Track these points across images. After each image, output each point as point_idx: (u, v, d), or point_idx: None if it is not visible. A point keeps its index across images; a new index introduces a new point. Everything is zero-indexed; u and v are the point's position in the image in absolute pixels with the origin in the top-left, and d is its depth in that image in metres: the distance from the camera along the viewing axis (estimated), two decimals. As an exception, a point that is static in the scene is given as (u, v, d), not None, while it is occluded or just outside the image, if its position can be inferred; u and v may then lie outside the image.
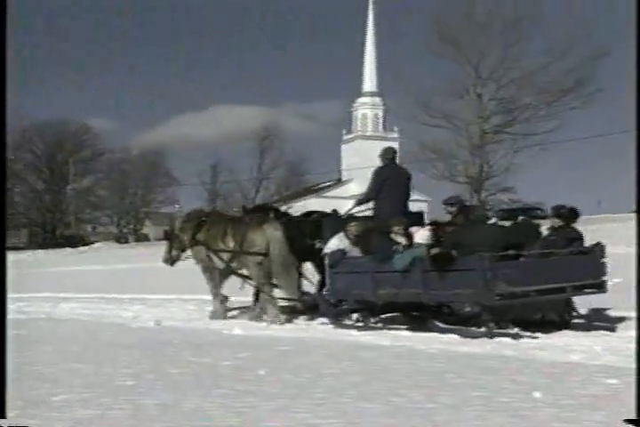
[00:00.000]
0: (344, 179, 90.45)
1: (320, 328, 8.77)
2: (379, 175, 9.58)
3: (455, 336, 7.39)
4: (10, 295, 13.43)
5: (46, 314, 11.95)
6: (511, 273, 7.31)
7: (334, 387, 4.81)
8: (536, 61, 36.55)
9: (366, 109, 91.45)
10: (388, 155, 9.79)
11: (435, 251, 7.70)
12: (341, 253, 8.77)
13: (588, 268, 7.98)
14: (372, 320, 8.60)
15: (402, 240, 8.23)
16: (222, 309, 10.37)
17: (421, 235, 8.21)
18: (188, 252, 10.71)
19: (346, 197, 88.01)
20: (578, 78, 35.56)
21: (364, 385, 4.87)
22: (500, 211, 47.38)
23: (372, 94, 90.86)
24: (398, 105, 79.83)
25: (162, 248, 11.35)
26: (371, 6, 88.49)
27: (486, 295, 7.21)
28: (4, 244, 4.32)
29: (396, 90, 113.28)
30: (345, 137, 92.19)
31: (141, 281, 17.91)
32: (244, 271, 10.17)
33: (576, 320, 8.27)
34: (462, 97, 38.26)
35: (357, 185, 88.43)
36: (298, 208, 66.87)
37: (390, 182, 9.34)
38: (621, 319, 8.24)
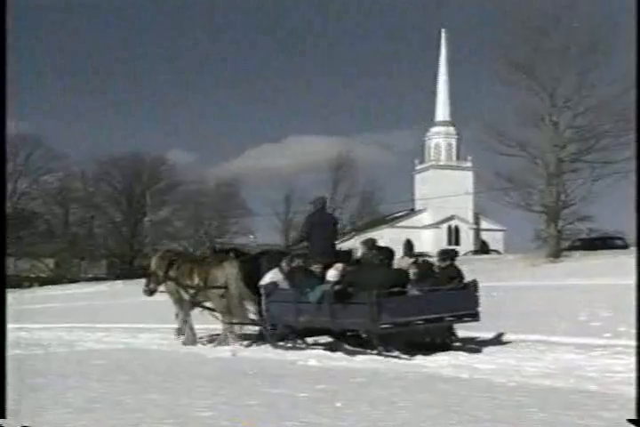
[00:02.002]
0: (417, 208, 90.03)
1: (395, 360, 8.66)
2: (309, 221, 11.30)
3: (536, 369, 7.24)
4: (90, 325, 13.79)
5: (124, 344, 12.15)
6: (395, 306, 8.87)
7: (411, 420, 4.73)
8: (613, 88, 35.83)
9: (439, 139, 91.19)
10: (318, 204, 11.54)
11: (337, 287, 9.24)
12: (274, 285, 10.34)
13: (465, 300, 9.54)
14: (300, 342, 10.12)
15: (319, 276, 9.83)
16: (193, 335, 11.79)
17: (331, 273, 9.60)
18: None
19: (419, 227, 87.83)
20: (657, 104, 34.69)
21: (441, 418, 4.78)
22: (579, 240, 46.58)
23: (445, 124, 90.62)
24: (472, 134, 79.39)
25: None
26: (443, 36, 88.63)
27: (373, 325, 8.82)
28: (4, 249, 4.47)
29: (469, 119, 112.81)
30: (418, 166, 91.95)
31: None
32: (207, 303, 11.79)
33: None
34: (537, 125, 37.74)
35: (430, 215, 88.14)
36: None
37: (318, 227, 10.91)
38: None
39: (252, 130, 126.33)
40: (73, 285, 52.16)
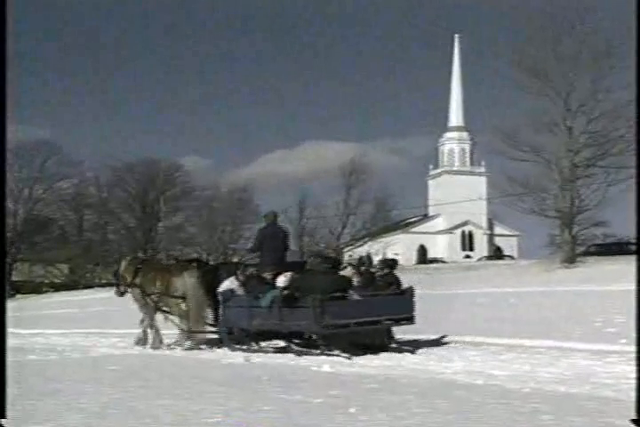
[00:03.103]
0: (430, 214, 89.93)
1: (408, 366, 8.63)
2: (261, 233, 12.45)
3: (551, 375, 7.21)
4: (104, 331, 13.84)
5: (138, 350, 12.18)
6: (337, 309, 9.70)
7: (425, 426, 4.72)
8: (628, 92, 35.66)
9: (453, 144, 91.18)
10: (269, 219, 12.60)
11: (285, 292, 10.12)
12: (230, 291, 11.19)
13: (402, 305, 10.46)
14: (254, 345, 10.93)
15: (270, 283, 10.82)
16: (158, 339, 12.47)
17: (280, 280, 10.59)
18: None
19: (433, 233, 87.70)
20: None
21: (456, 424, 4.76)
22: (594, 246, 46.36)
23: (458, 129, 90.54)
24: (485, 139, 79.21)
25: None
26: (457, 41, 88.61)
27: (316, 326, 9.68)
28: (5, 253, 4.51)
29: (482, 124, 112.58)
30: (431, 172, 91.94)
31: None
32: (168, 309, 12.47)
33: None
34: (551, 130, 37.62)
35: (444, 220, 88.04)
36: (384, 244, 66.46)
37: (270, 239, 11.92)
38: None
39: (268, 136, 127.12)
40: (87, 290, 52.30)
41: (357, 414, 5.17)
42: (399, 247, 75.50)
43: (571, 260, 35.97)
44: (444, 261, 67.27)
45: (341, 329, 9.83)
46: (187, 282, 11.90)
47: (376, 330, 10.49)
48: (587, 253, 40.73)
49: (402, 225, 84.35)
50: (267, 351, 10.60)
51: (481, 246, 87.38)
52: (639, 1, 4.37)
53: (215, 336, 11.95)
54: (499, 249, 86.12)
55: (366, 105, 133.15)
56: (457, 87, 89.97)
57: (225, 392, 6.46)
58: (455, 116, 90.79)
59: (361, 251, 66.11)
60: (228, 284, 11.34)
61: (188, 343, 11.87)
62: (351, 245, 66.11)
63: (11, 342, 11.93)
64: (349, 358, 9.32)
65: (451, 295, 23.19)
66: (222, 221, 69.07)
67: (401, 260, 70.03)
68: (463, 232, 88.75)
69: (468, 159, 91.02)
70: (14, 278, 60.03)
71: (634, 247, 44.92)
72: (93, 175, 67.21)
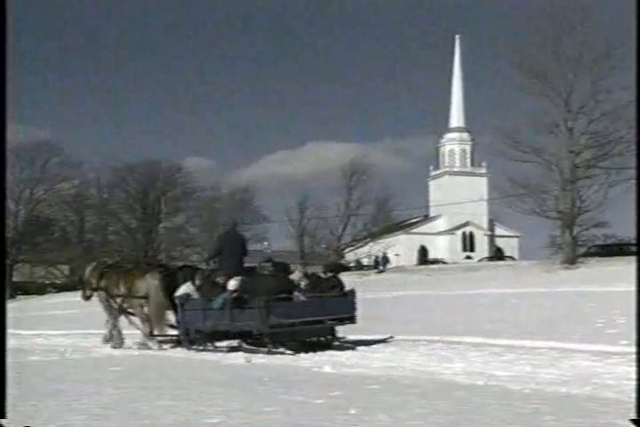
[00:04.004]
0: (431, 215, 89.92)
1: (409, 367, 8.63)
2: (220, 239, 13.13)
3: (552, 376, 7.21)
4: (103, 332, 13.86)
5: (139, 351, 12.19)
6: (282, 310, 10.45)
7: (426, 427, 4.72)
8: (628, 93, 35.66)
9: (454, 145, 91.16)
10: (230, 226, 14.39)
11: (234, 295, 10.79)
12: (187, 295, 11.82)
13: (344, 306, 11.22)
14: (209, 345, 11.47)
15: (222, 287, 11.28)
16: (120, 337, 13.13)
17: (231, 283, 11.04)
18: None
19: (434, 234, 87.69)
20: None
21: (456, 425, 4.76)
22: (595, 246, 46.35)
23: (459, 130, 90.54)
24: (486, 140, 79.16)
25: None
26: (457, 42, 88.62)
27: (263, 326, 10.33)
28: (5, 254, 4.52)
29: (483, 125, 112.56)
30: (432, 173, 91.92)
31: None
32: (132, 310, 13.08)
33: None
34: (552, 131, 37.63)
35: (445, 221, 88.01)
36: (385, 245, 66.37)
37: (229, 245, 12.45)
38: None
39: (270, 137, 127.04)
40: (88, 291, 52.21)
41: (358, 415, 5.17)
42: (400, 248, 75.50)
43: (571, 261, 35.98)
44: (444, 262, 67.25)
45: (287, 328, 10.57)
46: (149, 284, 12.50)
47: (320, 329, 11.23)
48: (587, 254, 40.73)
49: (403, 226, 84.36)
50: (222, 351, 11.14)
51: (482, 247, 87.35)
52: (639, 1, 4.38)
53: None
54: (499, 250, 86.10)
55: (368, 106, 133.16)
56: (458, 88, 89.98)
57: (226, 393, 6.46)
58: (456, 116, 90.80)
59: (362, 252, 66.21)
60: (185, 288, 11.97)
61: (151, 344, 12.40)
62: (352, 245, 66.12)
63: (12, 342, 11.95)
64: (294, 355, 10.01)
65: (451, 296, 23.20)
66: (223, 221, 68.99)
67: (402, 260, 70.18)
68: (464, 233, 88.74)
69: (468, 160, 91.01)
70: (15, 279, 60.08)
71: (634, 248, 44.92)
72: (94, 176, 67.25)
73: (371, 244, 66.30)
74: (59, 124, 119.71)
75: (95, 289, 13.49)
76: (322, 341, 11.26)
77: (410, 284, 33.40)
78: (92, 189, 68.03)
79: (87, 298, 13.86)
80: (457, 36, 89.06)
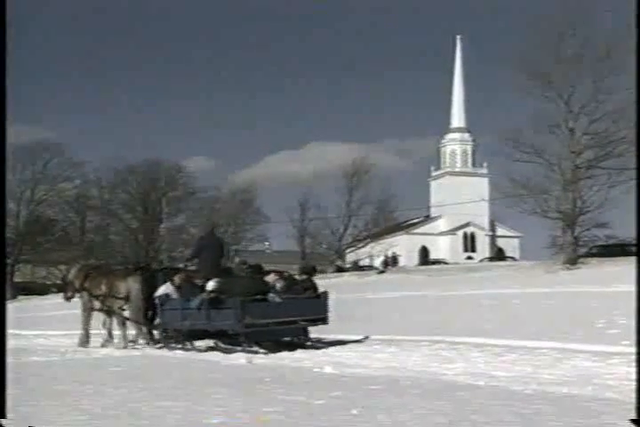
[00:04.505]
0: (432, 215, 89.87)
1: (411, 367, 8.63)
2: (199, 242, 13.67)
3: (553, 377, 7.21)
4: (104, 332, 13.87)
5: (140, 351, 12.21)
6: (257, 310, 10.88)
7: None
8: (630, 93, 35.63)
9: (455, 145, 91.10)
10: (208, 228, 15.10)
11: (211, 295, 11.19)
12: (166, 295, 12.28)
13: (317, 307, 11.66)
14: (188, 343, 11.89)
15: (200, 287, 11.77)
16: (87, 339, 13.63)
17: (209, 284, 11.42)
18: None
19: (435, 234, 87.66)
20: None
21: (458, 426, 4.75)
22: (596, 247, 46.31)
23: (460, 130, 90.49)
24: (487, 140, 79.17)
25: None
26: (458, 42, 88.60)
27: (238, 326, 10.78)
28: (4, 255, 4.52)
29: (484, 125, 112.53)
30: (433, 173, 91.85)
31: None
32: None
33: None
34: (553, 132, 37.62)
35: (446, 221, 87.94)
36: (386, 245, 66.33)
37: (207, 247, 12.85)
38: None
39: (274, 137, 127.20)
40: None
41: (359, 416, 5.16)
42: (401, 248, 75.45)
43: (573, 261, 35.95)
44: (445, 263, 67.19)
45: (261, 328, 11.00)
46: (130, 286, 12.98)
47: (293, 329, 11.70)
48: (589, 255, 40.68)
49: (404, 226, 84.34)
50: (199, 350, 11.59)
51: (483, 248, 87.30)
52: (639, 1, 4.38)
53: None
54: (501, 250, 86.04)
55: (369, 106, 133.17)
56: (459, 88, 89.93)
57: (227, 394, 6.45)
58: (457, 117, 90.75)
59: (363, 252, 66.23)
60: (164, 289, 12.41)
61: (116, 343, 13.18)
62: (353, 246, 66.15)
63: (13, 343, 11.92)
64: (266, 354, 10.43)
65: (452, 297, 23.19)
66: (225, 222, 69.05)
67: (402, 261, 70.09)
68: (465, 233, 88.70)
69: (469, 160, 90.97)
70: (17, 280, 60.12)
71: (636, 249, 44.78)
72: (96, 177, 67.25)
73: (372, 244, 66.31)
74: (60, 124, 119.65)
75: (78, 290, 13.84)
76: (295, 340, 11.74)
77: (411, 284, 33.37)
78: (94, 190, 68.09)
79: (68, 299, 14.29)
80: (458, 37, 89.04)
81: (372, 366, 8.76)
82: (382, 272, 51.29)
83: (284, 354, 10.59)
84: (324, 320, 11.74)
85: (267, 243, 78.61)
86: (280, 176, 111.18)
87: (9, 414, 4.52)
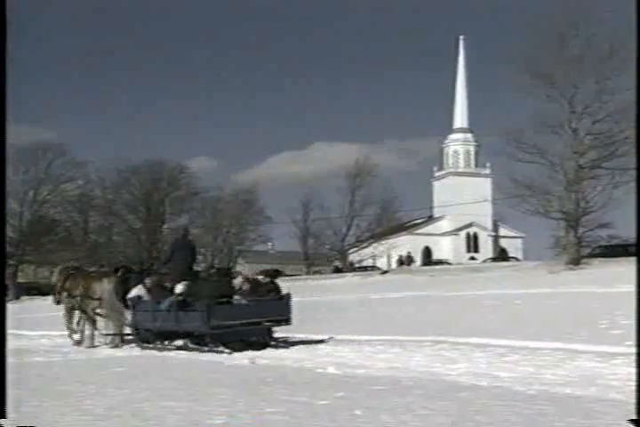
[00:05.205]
0: (435, 216, 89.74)
1: (413, 368, 8.63)
2: (172, 246, 14.23)
3: (556, 377, 7.20)
4: (106, 332, 13.89)
5: (143, 351, 12.21)
6: (222, 312, 11.39)
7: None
8: (633, 93, 35.53)
9: (458, 146, 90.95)
10: (180, 233, 15.11)
11: (180, 298, 11.83)
12: (138, 297, 12.80)
13: (280, 309, 12.15)
14: (158, 343, 12.35)
15: (170, 290, 12.29)
16: (72, 335, 14.07)
17: (178, 287, 12.07)
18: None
19: (438, 234, 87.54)
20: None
21: (461, 426, 4.75)
22: (599, 247, 46.24)
23: (463, 131, 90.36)
24: (490, 141, 79.06)
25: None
26: (461, 42, 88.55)
27: (204, 327, 11.31)
28: (4, 256, 4.53)
29: (487, 126, 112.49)
30: (436, 173, 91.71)
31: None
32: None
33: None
34: (556, 132, 37.54)
35: (449, 222, 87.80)
36: (389, 245, 66.24)
37: (179, 251, 13.31)
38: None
39: (277, 137, 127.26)
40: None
41: (362, 416, 5.17)
42: (404, 249, 75.40)
43: (576, 261, 35.88)
44: (448, 263, 67.09)
45: (226, 329, 11.46)
46: (104, 287, 13.49)
47: (257, 329, 12.16)
48: (592, 255, 40.57)
49: (406, 227, 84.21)
50: (170, 349, 12.03)
51: (486, 248, 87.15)
52: (639, 1, 4.37)
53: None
54: (503, 251, 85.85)
55: (372, 106, 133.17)
56: (461, 89, 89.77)
57: (230, 394, 6.45)
58: (460, 117, 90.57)
59: (365, 253, 66.18)
60: (137, 291, 12.89)
61: (88, 343, 13.55)
62: (356, 246, 66.09)
63: (16, 343, 11.95)
64: (230, 353, 10.83)
65: (455, 297, 23.17)
66: (227, 222, 69.03)
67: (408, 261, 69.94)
68: (468, 234, 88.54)
69: (472, 161, 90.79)
70: (20, 280, 60.11)
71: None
72: (98, 177, 67.22)
73: (374, 244, 66.23)
74: (60, 124, 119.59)
75: (60, 291, 14.35)
76: (259, 340, 12.12)
77: (413, 285, 33.34)
78: (97, 190, 68.03)
79: (58, 302, 14.63)
80: (461, 37, 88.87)
81: (375, 366, 8.76)
82: (385, 273, 51.27)
83: (287, 354, 10.61)
84: (287, 321, 12.20)
85: (269, 243, 78.60)
86: (283, 176, 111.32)
87: (12, 414, 4.53)
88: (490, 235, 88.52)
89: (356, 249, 66.00)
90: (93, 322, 13.70)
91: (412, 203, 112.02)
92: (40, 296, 54.10)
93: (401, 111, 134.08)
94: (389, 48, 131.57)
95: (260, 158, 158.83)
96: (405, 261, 61.12)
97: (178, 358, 10.74)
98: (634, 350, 8.90)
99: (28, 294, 56.15)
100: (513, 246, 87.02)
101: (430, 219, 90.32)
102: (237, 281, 12.72)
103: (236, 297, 12.08)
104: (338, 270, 59.22)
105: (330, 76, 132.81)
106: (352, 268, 62.32)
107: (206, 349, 11.36)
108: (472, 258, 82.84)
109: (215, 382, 7.54)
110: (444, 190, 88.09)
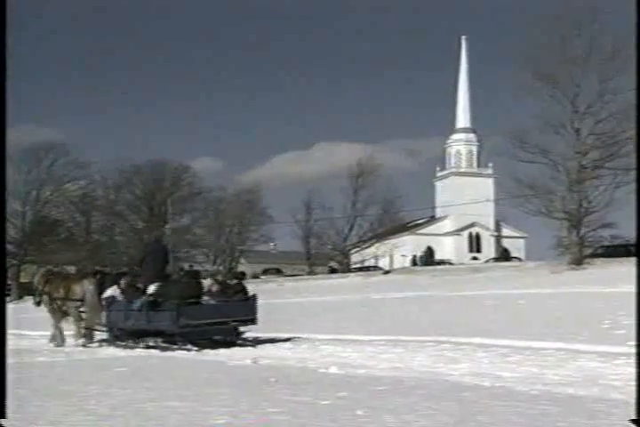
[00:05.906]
0: (438, 216, 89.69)
1: (416, 368, 8.63)
2: (145, 249, 15.03)
3: (559, 377, 7.19)
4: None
5: (146, 351, 12.20)
6: (191, 312, 11.93)
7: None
8: (635, 94, 35.50)
9: (460, 146, 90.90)
10: (154, 237, 18.25)
11: (151, 298, 12.32)
12: (113, 298, 13.29)
13: (246, 309, 12.62)
14: (130, 342, 12.81)
15: (142, 291, 12.74)
16: (61, 337, 14.31)
17: (150, 288, 12.51)
18: None
19: (440, 234, 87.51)
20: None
21: (463, 426, 4.76)
22: (601, 247, 46.23)
23: (465, 131, 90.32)
24: (493, 141, 79.00)
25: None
26: (464, 42, 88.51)
27: (173, 326, 11.85)
28: (4, 255, 4.53)
29: (490, 126, 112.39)
30: (439, 173, 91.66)
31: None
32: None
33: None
34: (559, 132, 37.56)
35: (452, 222, 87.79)
36: (391, 245, 66.22)
37: (152, 254, 13.67)
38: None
39: (280, 138, 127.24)
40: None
41: (364, 416, 5.16)
42: (406, 249, 75.38)
43: (578, 261, 35.90)
44: (451, 263, 67.11)
45: (195, 328, 12.01)
46: (85, 288, 13.95)
47: (224, 329, 12.65)
48: (594, 255, 40.58)
49: (409, 227, 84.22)
50: (139, 347, 12.46)
51: (488, 248, 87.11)
52: (639, 1, 4.36)
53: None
54: (506, 251, 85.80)
55: (375, 106, 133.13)
56: (464, 89, 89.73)
57: (232, 394, 6.45)
58: (462, 117, 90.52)
59: (368, 253, 66.17)
60: (111, 292, 13.40)
61: (81, 341, 13.85)
62: (358, 246, 66.10)
63: (19, 343, 11.96)
64: (199, 351, 11.42)
65: (458, 297, 23.16)
66: (230, 222, 69.07)
67: (407, 261, 70.01)
68: (470, 234, 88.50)
69: (475, 161, 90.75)
70: (22, 280, 60.11)
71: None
72: (101, 177, 67.30)
73: (377, 245, 66.25)
74: (60, 124, 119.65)
75: (41, 294, 14.71)
76: (226, 339, 12.64)
77: (416, 285, 33.36)
78: (99, 190, 68.21)
79: (38, 304, 14.97)
80: (463, 37, 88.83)
81: (378, 366, 8.75)
82: (387, 273, 51.30)
83: (289, 354, 10.61)
84: (252, 321, 12.65)
85: (272, 243, 78.62)
86: (285, 177, 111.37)
87: (15, 414, 4.52)
88: (492, 235, 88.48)
89: (358, 249, 66.00)
90: (80, 319, 14.07)
91: (414, 203, 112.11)
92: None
93: (404, 111, 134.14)
94: (392, 48, 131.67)
95: (263, 159, 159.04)
96: (420, 260, 61.22)
97: (180, 358, 10.74)
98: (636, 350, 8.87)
99: (31, 294, 56.06)
100: (515, 246, 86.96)
101: (433, 219, 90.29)
102: (207, 282, 13.37)
103: (205, 298, 12.67)
104: (333, 271, 59.20)
105: (332, 76, 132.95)
106: (348, 268, 62.26)
107: (176, 347, 11.85)
108: (474, 258, 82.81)
109: (218, 382, 7.54)
110: (447, 190, 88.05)
